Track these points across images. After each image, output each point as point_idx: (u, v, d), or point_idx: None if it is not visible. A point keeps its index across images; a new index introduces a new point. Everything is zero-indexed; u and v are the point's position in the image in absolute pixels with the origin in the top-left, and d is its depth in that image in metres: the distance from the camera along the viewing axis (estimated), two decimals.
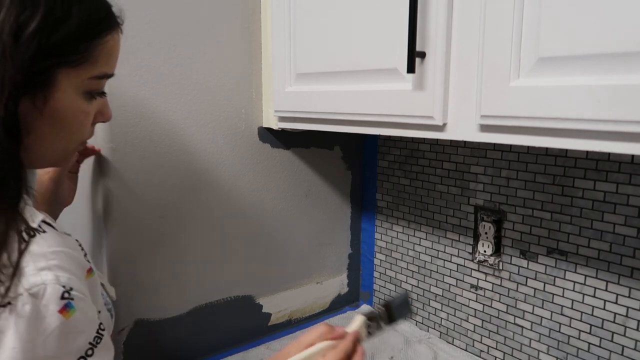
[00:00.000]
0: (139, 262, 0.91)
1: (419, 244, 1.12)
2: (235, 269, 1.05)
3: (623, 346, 0.81)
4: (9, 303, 0.41)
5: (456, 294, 1.05)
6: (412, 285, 1.15)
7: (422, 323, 1.14)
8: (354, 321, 0.69)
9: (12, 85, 0.44)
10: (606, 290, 0.82)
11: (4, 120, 0.44)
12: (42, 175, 0.78)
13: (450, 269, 1.06)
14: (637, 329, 0.79)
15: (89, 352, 0.47)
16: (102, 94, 0.57)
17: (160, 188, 0.92)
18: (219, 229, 1.01)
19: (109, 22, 0.54)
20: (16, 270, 0.42)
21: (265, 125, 1.03)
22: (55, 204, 0.80)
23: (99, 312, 0.53)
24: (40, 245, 0.45)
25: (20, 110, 0.46)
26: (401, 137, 1.13)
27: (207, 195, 0.98)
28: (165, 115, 0.90)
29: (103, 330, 0.50)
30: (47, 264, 0.45)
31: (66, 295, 0.44)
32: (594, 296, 0.83)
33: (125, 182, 0.87)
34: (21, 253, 0.43)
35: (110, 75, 0.56)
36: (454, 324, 1.07)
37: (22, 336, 0.42)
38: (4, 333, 0.42)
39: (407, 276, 1.16)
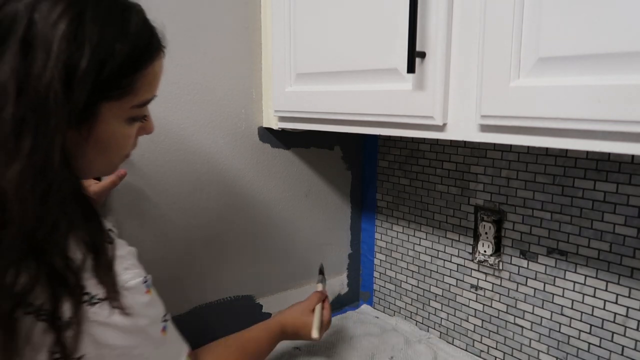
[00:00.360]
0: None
1: (419, 244, 1.12)
2: (235, 269, 1.05)
3: (623, 346, 0.81)
4: (108, 297, 0.51)
5: (456, 294, 1.05)
6: (412, 285, 1.15)
7: (422, 323, 1.14)
8: (320, 285, 0.99)
9: (62, 126, 0.47)
10: (606, 290, 0.82)
11: (60, 152, 0.47)
12: (89, 187, 0.79)
13: (450, 269, 1.06)
14: (637, 329, 0.79)
15: (164, 312, 0.60)
16: (144, 116, 0.60)
17: (159, 188, 0.92)
18: (218, 228, 1.01)
19: (150, 52, 0.54)
20: (114, 275, 0.53)
21: (265, 125, 1.03)
22: None
23: None
24: (118, 250, 0.55)
25: (66, 141, 0.48)
26: (401, 137, 1.13)
27: (206, 195, 0.98)
28: (165, 115, 0.90)
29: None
30: (127, 263, 0.55)
31: (145, 280, 0.57)
32: (594, 296, 0.83)
33: (124, 182, 0.87)
34: (112, 260, 0.53)
35: (153, 98, 0.58)
36: (454, 324, 1.07)
37: (129, 316, 0.53)
38: (110, 318, 0.52)
39: (407, 276, 1.16)
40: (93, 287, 0.51)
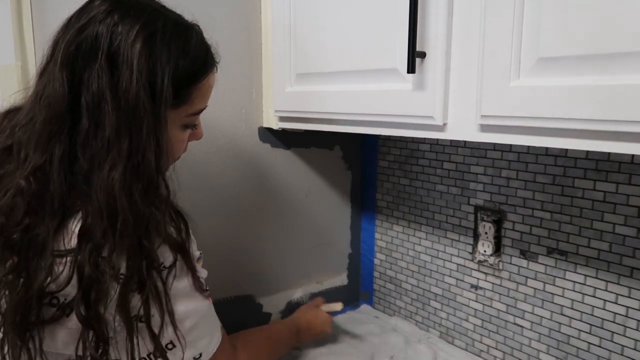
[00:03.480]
0: None
1: (419, 244, 1.12)
2: (236, 269, 1.05)
3: (623, 346, 0.81)
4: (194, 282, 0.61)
5: (456, 294, 1.05)
6: (412, 285, 1.15)
7: (422, 323, 1.14)
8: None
9: (153, 130, 0.55)
10: (606, 290, 0.82)
11: (154, 155, 0.56)
12: None
13: (450, 269, 1.06)
14: (636, 329, 0.79)
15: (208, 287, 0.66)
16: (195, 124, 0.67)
17: None
18: (218, 228, 1.01)
19: (206, 67, 0.62)
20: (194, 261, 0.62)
21: (265, 125, 1.03)
22: None
23: None
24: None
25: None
26: (401, 137, 1.13)
27: (206, 195, 0.98)
28: None
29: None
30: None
31: (199, 254, 0.65)
32: (593, 296, 0.83)
33: None
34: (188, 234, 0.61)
35: (205, 108, 0.66)
36: (454, 323, 1.07)
37: (189, 278, 0.61)
38: (177, 279, 0.59)
39: (407, 276, 1.16)
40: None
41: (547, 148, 0.86)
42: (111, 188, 0.52)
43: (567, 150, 0.84)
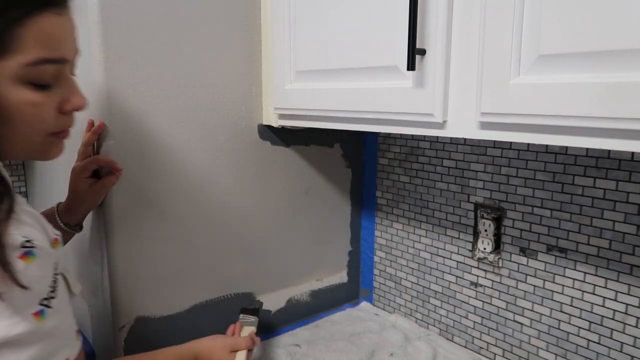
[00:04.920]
0: (139, 259, 0.91)
1: (419, 242, 1.12)
2: (235, 266, 1.05)
3: (622, 343, 0.81)
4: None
5: (456, 291, 1.06)
6: (412, 282, 1.15)
7: (422, 320, 1.14)
8: (250, 329, 0.91)
9: None
10: (605, 287, 0.82)
11: None
12: (90, 184, 0.83)
13: (450, 266, 1.06)
14: (636, 326, 0.79)
15: (46, 295, 0.50)
16: (60, 80, 0.52)
17: (159, 185, 0.92)
18: (218, 226, 1.01)
19: (27, 6, 0.48)
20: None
21: (265, 123, 1.03)
22: (75, 200, 0.83)
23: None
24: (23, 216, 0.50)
25: None
26: (401, 135, 1.13)
27: (206, 193, 0.98)
28: (164, 112, 0.90)
29: (54, 290, 0.52)
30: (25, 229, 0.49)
31: (24, 245, 0.48)
32: (593, 293, 0.84)
33: (125, 179, 0.87)
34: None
35: (56, 61, 0.51)
36: (454, 321, 1.07)
37: None
38: None
39: (407, 273, 1.16)
40: None
41: (547, 145, 0.86)
42: None
43: (567, 147, 0.84)
